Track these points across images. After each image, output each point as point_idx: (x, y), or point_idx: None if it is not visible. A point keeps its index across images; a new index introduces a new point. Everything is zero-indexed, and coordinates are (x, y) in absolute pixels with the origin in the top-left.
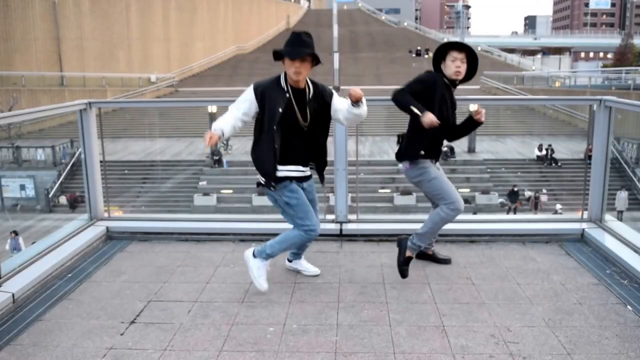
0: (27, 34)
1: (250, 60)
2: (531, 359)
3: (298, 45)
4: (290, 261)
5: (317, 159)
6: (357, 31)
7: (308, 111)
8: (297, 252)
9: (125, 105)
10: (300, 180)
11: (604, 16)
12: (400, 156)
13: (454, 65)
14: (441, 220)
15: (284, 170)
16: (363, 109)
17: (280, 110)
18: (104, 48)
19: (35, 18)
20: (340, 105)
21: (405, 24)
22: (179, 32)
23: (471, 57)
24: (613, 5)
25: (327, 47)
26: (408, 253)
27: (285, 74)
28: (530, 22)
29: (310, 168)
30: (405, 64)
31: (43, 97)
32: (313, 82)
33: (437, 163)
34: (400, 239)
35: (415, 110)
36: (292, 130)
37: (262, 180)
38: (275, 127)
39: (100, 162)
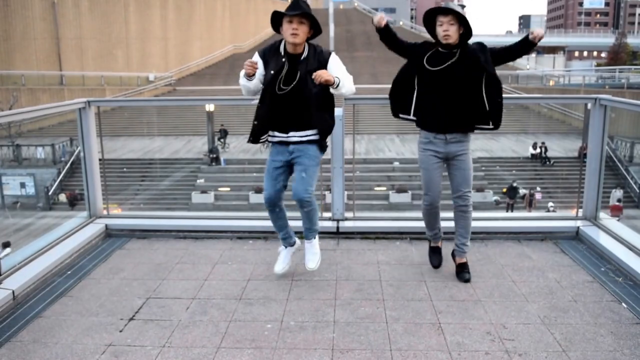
0: (26, 34)
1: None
2: (527, 356)
3: (296, 8)
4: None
5: (308, 124)
6: (353, 30)
7: (299, 75)
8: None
9: (124, 104)
10: (283, 144)
11: (598, 15)
12: None
13: (442, 30)
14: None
15: (266, 135)
16: (343, 90)
17: (272, 72)
18: (103, 47)
19: (34, 18)
20: (334, 72)
21: (401, 23)
22: (176, 31)
23: (460, 18)
24: (607, 4)
25: (323, 46)
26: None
27: (285, 41)
28: (525, 21)
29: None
30: (401, 63)
31: (43, 96)
32: (311, 45)
33: (443, 144)
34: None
35: None
36: (274, 94)
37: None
38: (264, 90)
39: (99, 160)
